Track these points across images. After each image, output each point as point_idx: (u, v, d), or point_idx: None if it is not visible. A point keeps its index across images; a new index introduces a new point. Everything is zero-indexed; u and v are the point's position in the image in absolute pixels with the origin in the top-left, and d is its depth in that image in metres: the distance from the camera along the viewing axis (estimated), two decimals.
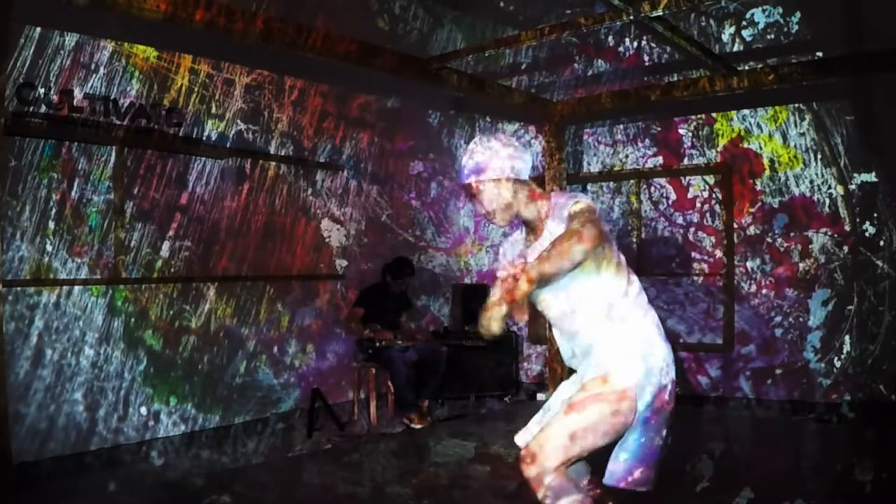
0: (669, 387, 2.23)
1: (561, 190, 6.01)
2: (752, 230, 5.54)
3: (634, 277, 2.33)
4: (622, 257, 2.32)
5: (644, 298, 2.32)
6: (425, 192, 6.71)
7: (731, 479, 3.61)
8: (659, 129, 6.02)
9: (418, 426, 5.06)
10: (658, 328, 2.28)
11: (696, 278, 5.79)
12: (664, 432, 2.22)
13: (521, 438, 2.42)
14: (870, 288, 5.05)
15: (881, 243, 5.03)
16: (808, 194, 5.32)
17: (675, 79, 5.66)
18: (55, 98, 3.99)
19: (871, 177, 5.09)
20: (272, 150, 5.23)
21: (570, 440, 2.13)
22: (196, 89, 4.72)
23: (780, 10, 5.35)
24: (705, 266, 5.78)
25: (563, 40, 6.02)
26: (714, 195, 5.75)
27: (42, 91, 3.94)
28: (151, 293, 4.48)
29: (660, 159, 6.01)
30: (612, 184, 6.31)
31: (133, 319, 4.36)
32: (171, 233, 4.59)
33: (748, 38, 5.49)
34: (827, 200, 5.25)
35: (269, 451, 4.59)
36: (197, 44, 4.60)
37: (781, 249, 5.41)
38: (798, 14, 5.28)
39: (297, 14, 4.49)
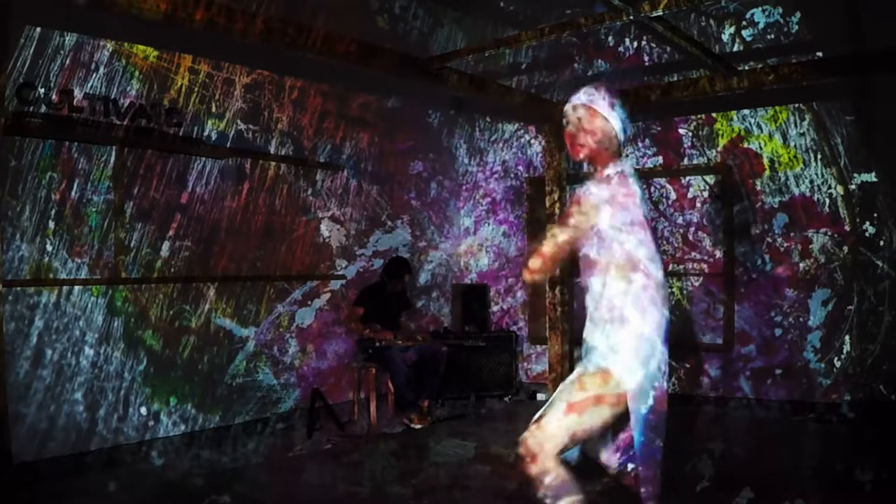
0: (665, 388, 2.28)
1: (562, 189, 6.00)
2: (752, 230, 5.53)
3: (639, 276, 2.33)
4: (632, 253, 2.35)
5: (647, 296, 2.33)
6: (425, 192, 6.71)
7: (731, 479, 3.61)
8: (659, 129, 6.02)
9: (418, 426, 5.06)
10: (658, 330, 2.30)
11: (695, 278, 5.80)
12: (662, 433, 2.28)
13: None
14: (870, 288, 5.05)
15: (881, 243, 5.03)
16: (808, 194, 5.32)
17: (675, 79, 5.67)
18: (55, 98, 3.99)
19: (871, 177, 5.09)
20: (272, 149, 5.24)
21: (568, 436, 2.26)
22: (196, 89, 4.72)
23: (780, 10, 5.35)
24: (705, 266, 5.78)
25: (563, 40, 6.02)
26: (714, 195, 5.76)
27: (42, 91, 3.94)
28: (151, 293, 4.48)
29: (660, 159, 6.01)
30: None
31: (133, 319, 4.36)
32: (171, 233, 4.59)
33: (748, 38, 5.49)
34: (827, 200, 5.25)
35: (269, 451, 4.58)
36: (197, 44, 4.60)
37: (781, 249, 5.41)
38: (798, 14, 5.28)
39: (297, 14, 4.49)
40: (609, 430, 2.42)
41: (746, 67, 5.23)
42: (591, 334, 2.40)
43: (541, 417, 2.35)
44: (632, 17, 4.05)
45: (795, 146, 5.38)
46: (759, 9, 5.43)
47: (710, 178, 5.79)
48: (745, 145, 5.58)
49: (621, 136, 2.53)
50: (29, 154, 3.91)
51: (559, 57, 6.43)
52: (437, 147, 6.87)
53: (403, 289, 5.67)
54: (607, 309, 2.33)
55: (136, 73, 4.40)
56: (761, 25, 5.43)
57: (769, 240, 5.46)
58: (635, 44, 6.06)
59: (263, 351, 5.12)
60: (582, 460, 2.45)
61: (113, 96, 4.26)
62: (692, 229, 5.83)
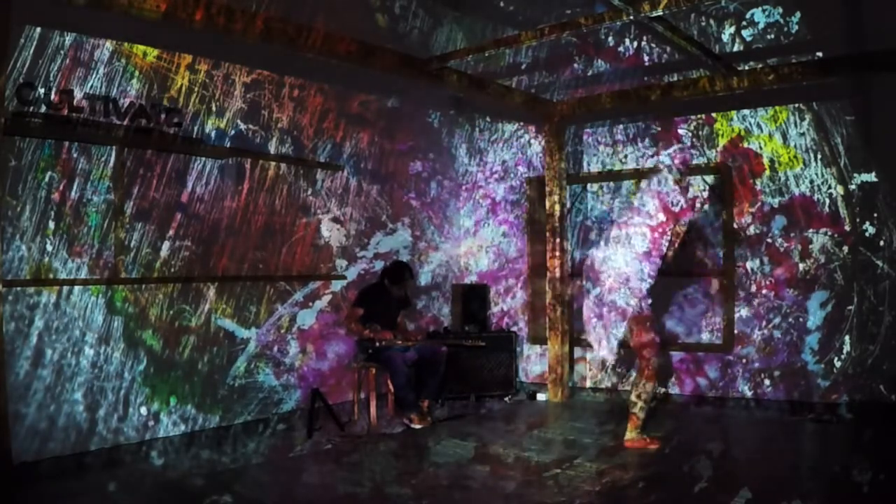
0: None
1: (562, 189, 6.05)
2: (752, 230, 5.54)
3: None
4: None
5: None
6: (425, 192, 6.72)
7: (731, 479, 3.61)
8: (659, 129, 6.02)
9: (418, 426, 5.06)
10: None
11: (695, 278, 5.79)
12: None
13: None
14: (870, 288, 5.05)
15: (881, 243, 5.03)
16: (808, 194, 5.32)
17: (675, 79, 5.67)
18: (55, 98, 3.99)
19: (871, 177, 5.09)
20: (272, 149, 5.24)
21: None
22: (196, 89, 4.72)
23: (780, 10, 5.35)
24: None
25: (563, 40, 6.03)
26: (714, 195, 5.75)
27: (42, 91, 3.94)
28: (151, 293, 4.48)
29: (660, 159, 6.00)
30: (612, 184, 6.31)
31: (133, 319, 4.36)
32: (171, 233, 4.59)
33: (748, 38, 5.49)
34: (827, 200, 5.25)
35: (270, 451, 4.59)
36: (197, 44, 4.60)
37: (781, 250, 5.40)
38: (798, 14, 5.29)
39: (297, 14, 4.50)
40: None
41: (746, 67, 5.25)
42: None
43: None
44: (632, 17, 4.07)
45: (795, 146, 5.38)
46: (759, 9, 5.42)
47: (710, 178, 5.79)
48: (745, 145, 5.58)
49: None
50: (29, 154, 3.91)
51: (559, 57, 6.44)
52: (437, 147, 6.88)
53: (404, 293, 5.67)
54: None
55: (136, 73, 4.40)
56: (761, 25, 5.43)
57: (769, 240, 5.46)
58: (635, 44, 6.06)
59: (264, 351, 5.12)
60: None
61: (113, 96, 4.26)
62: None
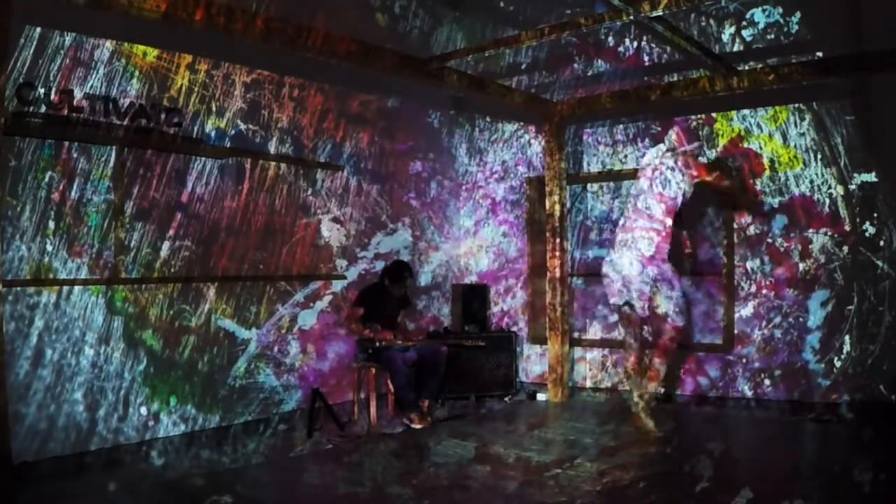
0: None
1: (562, 189, 6.04)
2: (752, 230, 5.53)
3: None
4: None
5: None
6: (425, 192, 6.71)
7: (731, 479, 3.60)
8: (659, 129, 6.02)
9: (418, 426, 5.06)
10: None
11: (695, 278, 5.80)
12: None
13: None
14: (870, 288, 5.04)
15: (881, 243, 5.03)
16: (808, 194, 5.32)
17: (675, 79, 5.67)
18: (55, 98, 3.99)
19: (871, 177, 5.09)
20: (272, 149, 5.24)
21: None
22: (196, 89, 4.72)
23: (780, 10, 5.35)
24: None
25: (563, 40, 6.03)
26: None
27: (42, 91, 3.94)
28: (151, 293, 4.48)
29: None
30: (612, 184, 6.31)
31: (133, 319, 4.36)
32: (170, 232, 4.59)
33: (748, 38, 5.49)
34: (827, 200, 5.25)
35: (270, 451, 4.58)
36: (197, 43, 4.60)
37: (781, 249, 5.40)
38: (798, 14, 5.29)
39: (297, 14, 4.50)
40: None
41: (746, 67, 5.25)
42: None
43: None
44: (632, 17, 4.07)
45: (795, 146, 5.37)
46: (759, 9, 5.42)
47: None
48: (745, 145, 5.58)
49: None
50: (29, 154, 3.91)
51: (559, 57, 6.44)
52: (437, 147, 6.87)
53: (404, 292, 5.67)
54: None
55: (136, 73, 4.40)
56: (761, 25, 5.43)
57: (769, 240, 5.46)
58: (635, 44, 6.06)
59: (264, 351, 5.12)
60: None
61: (113, 96, 4.26)
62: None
